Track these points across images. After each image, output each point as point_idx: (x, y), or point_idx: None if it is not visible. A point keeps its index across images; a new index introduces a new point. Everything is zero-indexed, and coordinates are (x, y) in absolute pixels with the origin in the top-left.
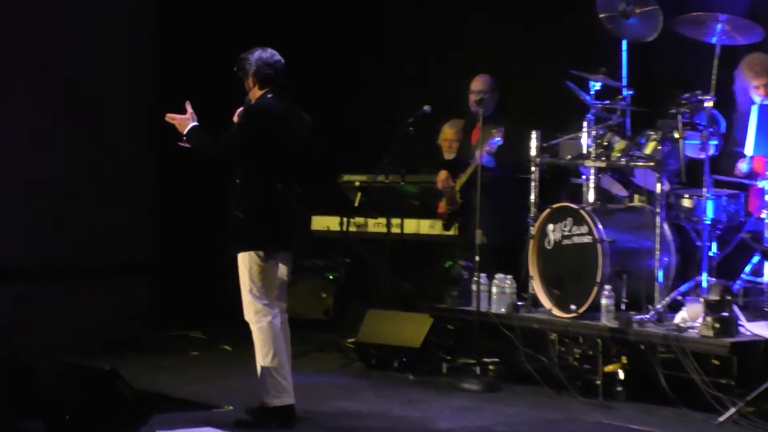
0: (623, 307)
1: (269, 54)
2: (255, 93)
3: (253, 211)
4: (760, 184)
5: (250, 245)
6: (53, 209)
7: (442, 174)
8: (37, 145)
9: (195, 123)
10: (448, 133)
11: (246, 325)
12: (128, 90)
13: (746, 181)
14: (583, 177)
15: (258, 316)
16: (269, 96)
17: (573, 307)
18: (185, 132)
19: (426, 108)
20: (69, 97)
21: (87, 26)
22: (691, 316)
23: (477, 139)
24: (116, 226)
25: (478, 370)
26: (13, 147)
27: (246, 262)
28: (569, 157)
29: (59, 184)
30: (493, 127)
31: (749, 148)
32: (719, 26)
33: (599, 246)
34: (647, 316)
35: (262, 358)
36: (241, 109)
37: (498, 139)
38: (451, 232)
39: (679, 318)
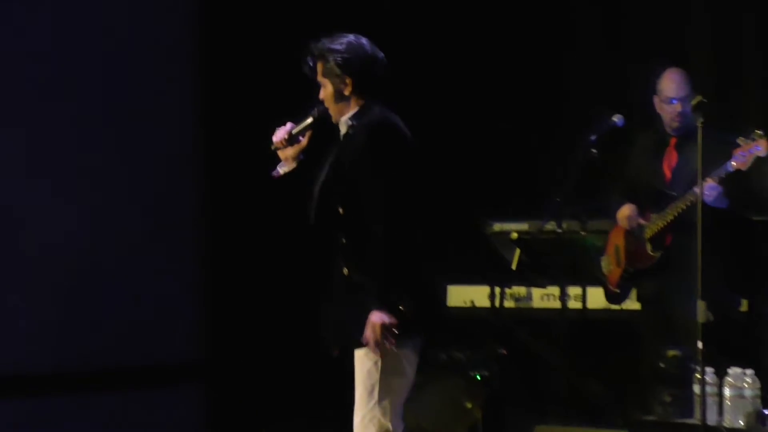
0: None
1: (369, 45)
2: (348, 105)
3: (398, 279)
4: None
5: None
6: (66, 287)
7: (627, 209)
8: (43, 193)
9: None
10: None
11: None
12: (169, 118)
13: None
14: None
15: None
16: (376, 108)
17: None
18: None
19: (616, 119)
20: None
21: (125, 61)
22: None
23: (675, 163)
24: (155, 311)
25: None
26: (13, 196)
27: (379, 359)
28: None
29: (74, 250)
30: (693, 146)
31: None
32: None
33: None
34: None
35: None
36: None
37: (759, 148)
38: (623, 306)
39: None
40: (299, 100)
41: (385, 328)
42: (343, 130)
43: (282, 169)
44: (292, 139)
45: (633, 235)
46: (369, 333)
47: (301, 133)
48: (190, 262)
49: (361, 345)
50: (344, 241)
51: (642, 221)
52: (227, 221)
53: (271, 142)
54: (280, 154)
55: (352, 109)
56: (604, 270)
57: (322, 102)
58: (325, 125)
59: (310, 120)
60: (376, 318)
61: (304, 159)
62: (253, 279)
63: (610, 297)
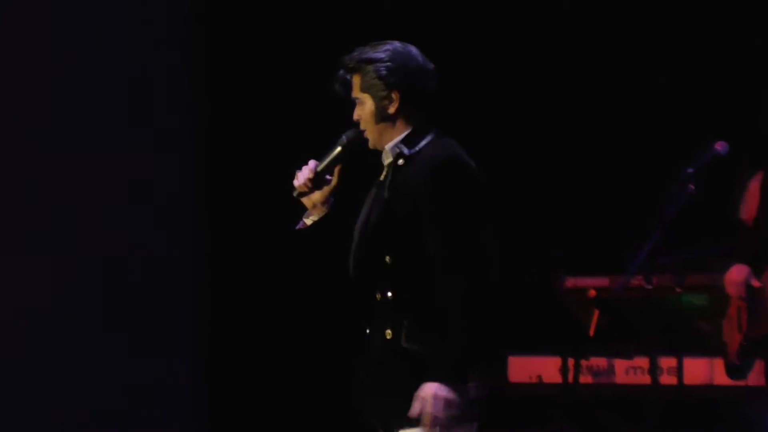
0: None
1: (419, 54)
2: (393, 127)
3: (476, 348)
4: None
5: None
6: (34, 362)
7: (736, 273)
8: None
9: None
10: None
11: None
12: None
13: None
14: None
15: None
16: (431, 134)
17: None
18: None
19: (719, 147)
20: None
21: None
22: None
23: None
24: (146, 394)
25: None
26: None
27: None
28: None
29: (44, 318)
30: None
31: None
32: None
33: None
34: None
35: None
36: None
37: None
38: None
39: None
40: (307, 105)
41: (447, 404)
42: (388, 159)
43: (309, 219)
44: (318, 180)
45: (747, 298)
46: (427, 410)
47: (329, 169)
48: (187, 339)
49: (411, 424)
50: (390, 296)
51: (756, 283)
52: (228, 296)
53: (292, 188)
54: (305, 201)
55: (399, 133)
56: (725, 337)
57: (355, 125)
58: (358, 152)
59: (338, 150)
60: (434, 390)
61: (336, 201)
62: (258, 356)
63: (731, 371)
